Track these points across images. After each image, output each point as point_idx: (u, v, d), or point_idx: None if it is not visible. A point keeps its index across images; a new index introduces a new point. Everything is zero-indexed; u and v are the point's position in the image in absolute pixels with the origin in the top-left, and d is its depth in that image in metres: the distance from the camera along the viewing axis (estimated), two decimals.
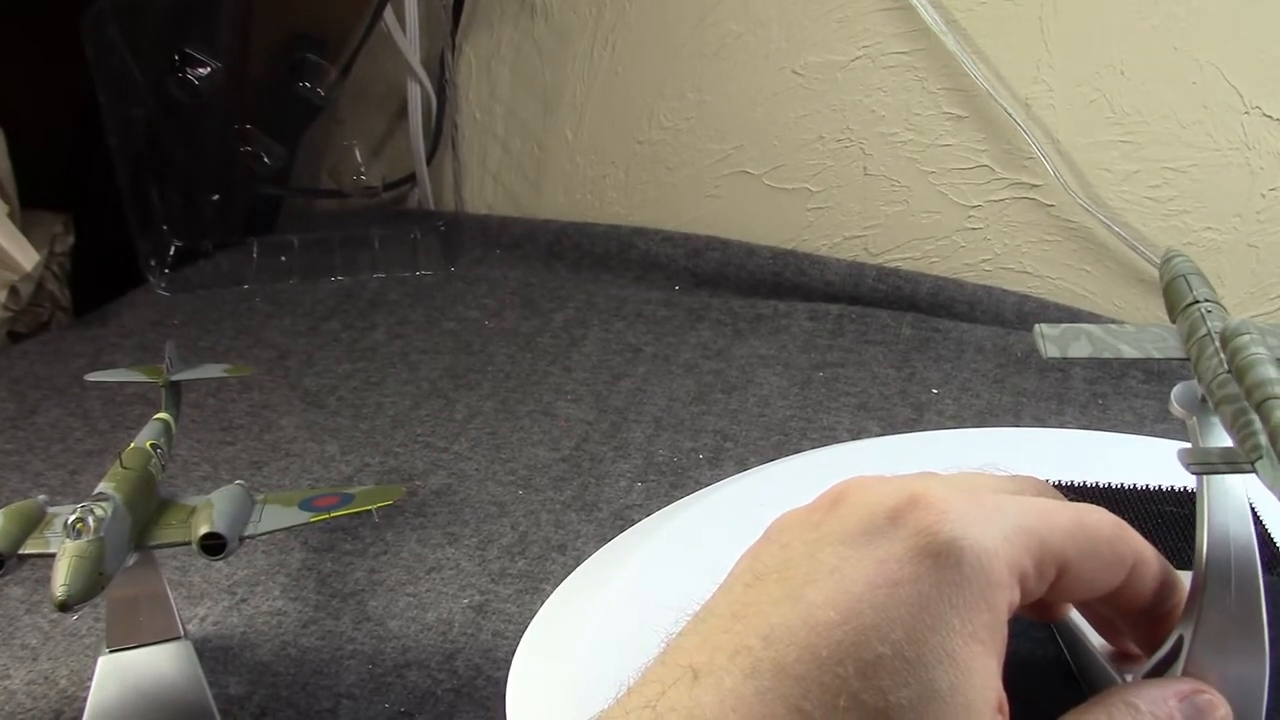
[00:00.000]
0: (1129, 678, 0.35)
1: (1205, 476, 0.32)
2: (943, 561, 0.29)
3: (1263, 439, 0.29)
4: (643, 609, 0.33)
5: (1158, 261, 0.98)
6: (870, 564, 0.29)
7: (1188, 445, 0.33)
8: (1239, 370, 0.31)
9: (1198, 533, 0.32)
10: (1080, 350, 0.36)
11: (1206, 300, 0.35)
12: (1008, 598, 0.30)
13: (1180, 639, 0.32)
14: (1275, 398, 0.29)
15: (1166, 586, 0.34)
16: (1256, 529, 0.33)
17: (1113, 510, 0.33)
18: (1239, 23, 0.86)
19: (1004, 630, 0.29)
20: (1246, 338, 0.32)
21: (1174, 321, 0.37)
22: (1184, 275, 0.37)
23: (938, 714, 0.28)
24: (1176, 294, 0.37)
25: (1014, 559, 0.30)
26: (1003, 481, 0.35)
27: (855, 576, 0.29)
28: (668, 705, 0.28)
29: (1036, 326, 0.37)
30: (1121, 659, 0.36)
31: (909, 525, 0.30)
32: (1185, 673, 0.32)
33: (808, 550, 0.31)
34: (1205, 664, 0.32)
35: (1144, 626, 0.35)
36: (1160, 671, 0.33)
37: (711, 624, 0.31)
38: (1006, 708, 0.30)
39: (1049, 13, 0.92)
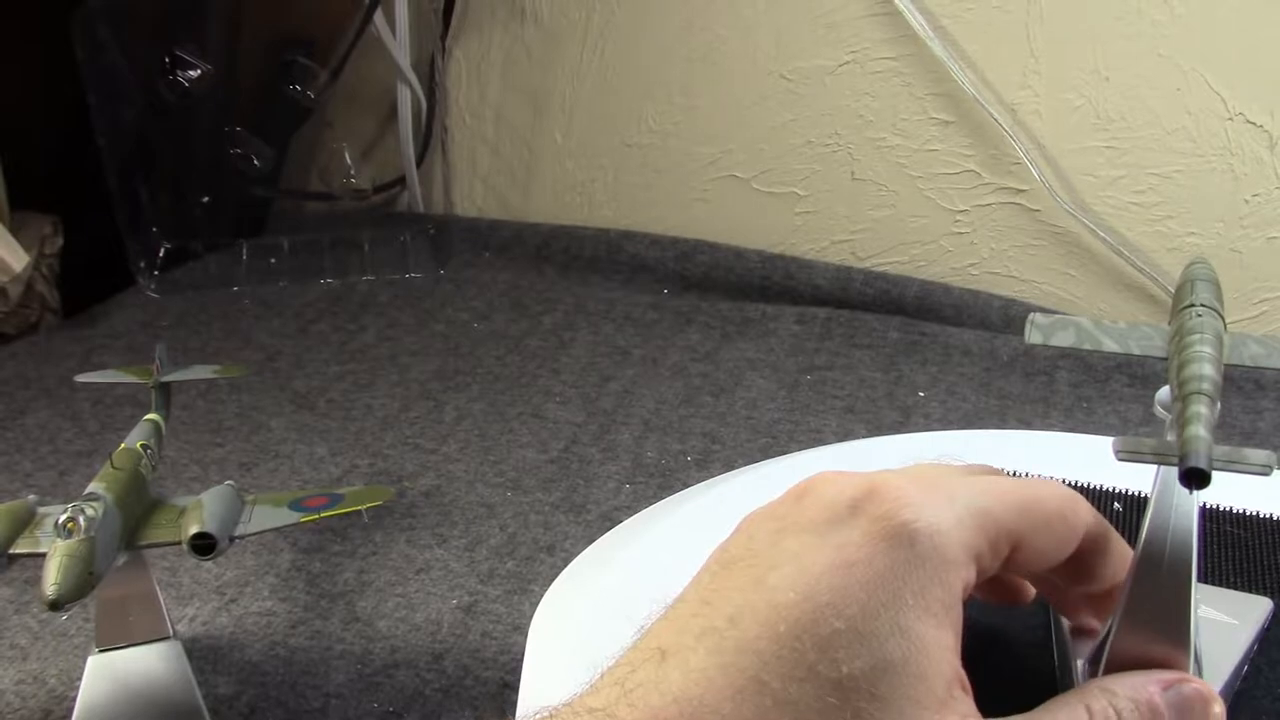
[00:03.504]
0: (1079, 662, 0.36)
1: (1162, 467, 0.33)
2: (897, 543, 0.30)
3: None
4: (636, 602, 0.34)
5: (1141, 265, 0.98)
6: (830, 549, 0.31)
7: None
8: (1179, 366, 0.32)
9: (1144, 517, 0.33)
10: (1064, 339, 0.37)
11: (1203, 305, 0.36)
12: (962, 576, 0.31)
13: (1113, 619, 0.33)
14: (1198, 393, 0.30)
15: (1114, 557, 0.35)
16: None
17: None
18: (1222, 30, 0.87)
19: (959, 608, 0.31)
20: (1195, 336, 0.33)
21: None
22: (1193, 280, 0.38)
23: (891, 683, 0.29)
24: (1178, 297, 0.38)
25: (968, 539, 0.31)
26: (957, 469, 0.37)
27: (815, 559, 0.30)
28: (636, 682, 0.30)
29: (1030, 316, 0.38)
30: (1082, 635, 0.37)
31: (867, 513, 0.31)
32: (1111, 652, 0.33)
33: (772, 539, 0.32)
34: (1129, 645, 0.32)
35: (1096, 601, 0.36)
36: (1102, 650, 0.34)
37: (680, 610, 0.32)
38: (968, 684, 0.31)
39: (1035, 19, 0.93)
